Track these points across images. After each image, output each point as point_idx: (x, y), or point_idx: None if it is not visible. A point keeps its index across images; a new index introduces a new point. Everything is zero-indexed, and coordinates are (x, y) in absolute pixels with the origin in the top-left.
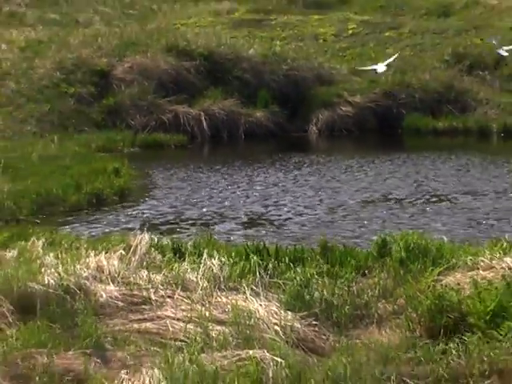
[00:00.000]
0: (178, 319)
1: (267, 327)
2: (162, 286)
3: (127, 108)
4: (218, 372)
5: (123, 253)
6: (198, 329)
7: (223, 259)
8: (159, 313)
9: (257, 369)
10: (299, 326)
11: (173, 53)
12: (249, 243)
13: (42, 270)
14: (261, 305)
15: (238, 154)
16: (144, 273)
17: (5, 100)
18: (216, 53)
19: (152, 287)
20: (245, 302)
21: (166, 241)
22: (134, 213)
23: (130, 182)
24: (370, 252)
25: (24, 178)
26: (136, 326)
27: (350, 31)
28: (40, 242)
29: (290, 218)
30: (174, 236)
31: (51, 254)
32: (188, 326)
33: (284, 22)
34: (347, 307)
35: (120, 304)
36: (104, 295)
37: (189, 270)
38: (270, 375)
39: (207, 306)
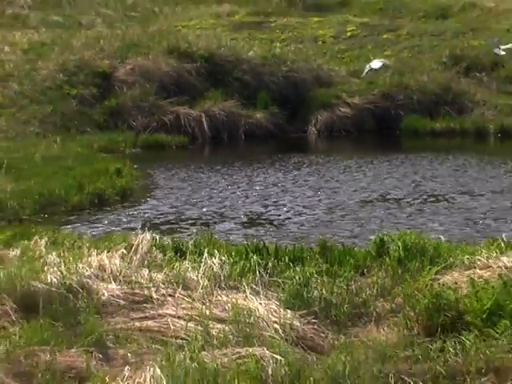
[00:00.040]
0: (178, 317)
1: (267, 325)
2: (163, 284)
3: (129, 109)
4: (218, 369)
5: (125, 252)
6: (199, 327)
7: (223, 258)
8: (160, 311)
9: (256, 366)
10: (298, 324)
11: (174, 55)
12: (249, 243)
13: (45, 268)
14: (261, 303)
15: (238, 155)
16: (145, 272)
17: (8, 101)
18: (216, 55)
19: (153, 286)
20: (245, 300)
21: (167, 240)
22: (135, 212)
23: (132, 183)
24: (369, 251)
25: (27, 178)
26: (137, 324)
27: (349, 33)
28: (43, 242)
29: (290, 218)
30: (175, 235)
31: (54, 253)
32: (189, 324)
33: (283, 25)
34: (346, 306)
35: (122, 302)
36: (106, 294)
37: (189, 269)
38: (270, 373)
39: (208, 304)
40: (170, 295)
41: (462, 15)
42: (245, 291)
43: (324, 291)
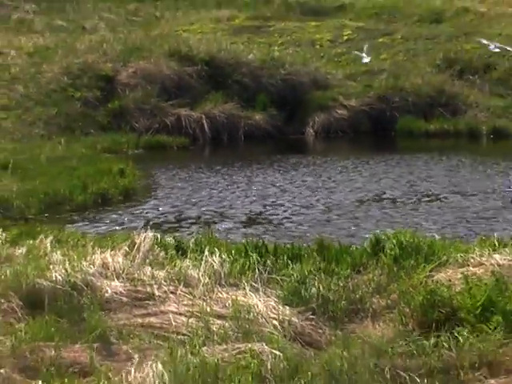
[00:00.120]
0: (180, 314)
1: (266, 321)
2: (165, 282)
3: (131, 111)
4: (218, 364)
5: (127, 250)
6: (200, 323)
7: (224, 256)
8: (162, 308)
9: (256, 361)
10: (297, 320)
11: (175, 58)
12: (248, 241)
13: (50, 266)
14: (260, 300)
15: (237, 156)
16: (148, 269)
17: (14, 103)
18: (217, 58)
19: (155, 283)
20: (244, 297)
21: (168, 238)
22: (137, 212)
23: (135, 183)
24: (365, 250)
25: (32, 178)
26: (140, 320)
27: (346, 37)
28: (48, 240)
29: (288, 217)
30: (176, 234)
31: (58, 252)
32: (190, 320)
33: (282, 29)
34: (343, 302)
35: (125, 299)
36: (109, 291)
37: (191, 267)
38: (269, 367)
39: (208, 301)
40: (171, 292)
41: (456, 20)
42: (244, 288)
43: (321, 288)
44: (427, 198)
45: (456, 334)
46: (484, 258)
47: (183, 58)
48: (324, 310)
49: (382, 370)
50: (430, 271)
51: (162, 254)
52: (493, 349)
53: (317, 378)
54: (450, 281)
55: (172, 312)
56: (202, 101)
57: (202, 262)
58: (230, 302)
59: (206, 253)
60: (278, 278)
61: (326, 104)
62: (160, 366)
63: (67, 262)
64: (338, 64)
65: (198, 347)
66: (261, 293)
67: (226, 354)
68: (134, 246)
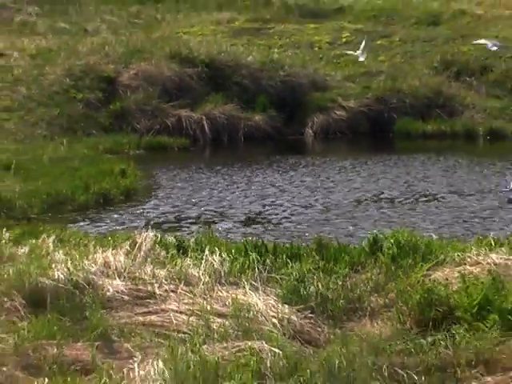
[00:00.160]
0: (181, 312)
1: (265, 320)
2: (166, 280)
3: (133, 112)
4: (218, 362)
5: (129, 249)
6: (200, 321)
7: (224, 255)
8: (163, 306)
9: (256, 359)
10: (296, 318)
11: (176, 60)
12: (248, 240)
13: (52, 265)
14: (259, 299)
15: (237, 156)
16: (149, 268)
17: (17, 105)
18: (217, 60)
19: (156, 282)
20: (244, 295)
21: (169, 238)
22: (139, 211)
23: (136, 183)
24: (363, 249)
25: (35, 178)
26: (141, 318)
27: (344, 39)
28: (50, 239)
29: (287, 217)
30: (177, 233)
31: (61, 251)
32: (190, 318)
33: (281, 31)
34: (341, 301)
35: (126, 298)
36: (111, 289)
37: (191, 266)
38: (268, 365)
39: (209, 299)
40: (172, 291)
41: (453, 22)
42: (244, 287)
43: (320, 287)
44: (424, 198)
45: (453, 332)
46: (481, 257)
47: (184, 60)
48: (323, 309)
49: (379, 367)
50: (428, 270)
51: (163, 253)
52: (489, 347)
53: (316, 376)
54: (447, 280)
55: (173, 310)
56: (202, 102)
57: (203, 261)
58: (230, 300)
59: (207, 252)
60: (277, 276)
61: (324, 105)
62: (161, 364)
63: (69, 261)
64: (337, 66)
65: (198, 345)
66: (260, 291)
67: (226, 352)
68: (135, 246)
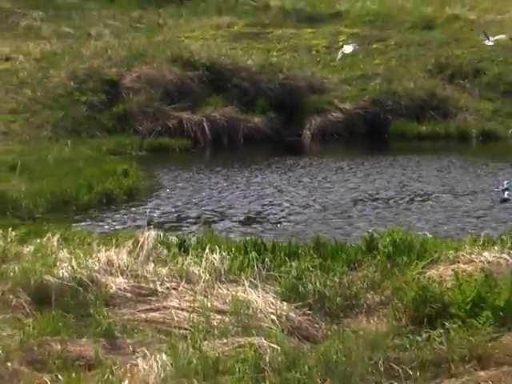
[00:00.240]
0: (182, 309)
1: (264, 316)
2: (168, 278)
3: (135, 114)
4: (219, 357)
5: (131, 248)
6: (201, 318)
7: (224, 254)
8: (165, 303)
9: (255, 355)
10: (294, 315)
11: (177, 63)
12: (247, 239)
13: (57, 263)
14: (259, 296)
15: (237, 157)
16: (151, 266)
17: (22, 107)
18: (217, 63)
19: (158, 280)
20: (244, 293)
21: (171, 237)
22: (141, 211)
23: (138, 183)
24: (360, 247)
25: (40, 179)
26: (143, 315)
27: (341, 43)
28: (55, 238)
29: (285, 217)
30: (178, 232)
31: (65, 249)
32: (191, 315)
33: (279, 35)
34: (338, 298)
35: (129, 295)
36: (114, 287)
37: (192, 264)
38: (267, 360)
39: (209, 297)
40: (173, 288)
41: (447, 26)
42: (244, 284)
43: (318, 284)
44: (419, 198)
45: (447, 329)
46: (474, 256)
47: (185, 64)
48: (320, 306)
49: (375, 362)
50: (422, 268)
51: (165, 251)
52: (482, 342)
53: (313, 371)
54: (441, 277)
55: (174, 307)
56: (202, 104)
57: (203, 260)
58: (229, 297)
59: (207, 250)
60: (276, 274)
61: (322, 107)
62: (163, 360)
63: (73, 260)
64: (334, 69)
65: (199, 341)
66: (259, 289)
67: (226, 348)
68: (137, 244)
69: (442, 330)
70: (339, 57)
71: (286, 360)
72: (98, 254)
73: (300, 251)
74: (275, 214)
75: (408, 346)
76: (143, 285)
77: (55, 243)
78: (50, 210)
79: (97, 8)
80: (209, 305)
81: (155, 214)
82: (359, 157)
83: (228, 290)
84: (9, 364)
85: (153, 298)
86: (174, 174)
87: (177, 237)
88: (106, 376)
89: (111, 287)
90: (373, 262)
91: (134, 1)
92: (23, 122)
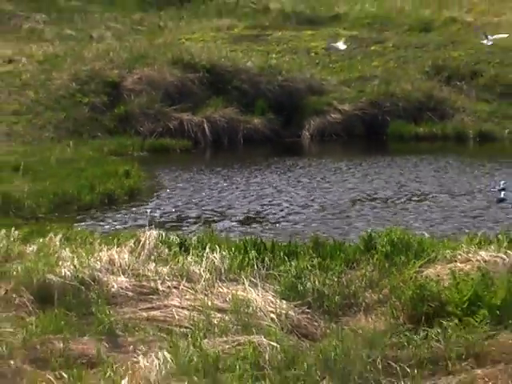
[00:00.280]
0: (182, 308)
1: (264, 315)
2: (169, 277)
3: (136, 116)
4: (219, 355)
5: (133, 247)
6: (201, 316)
7: (224, 253)
8: (166, 302)
9: (254, 353)
10: (293, 313)
11: (178, 65)
12: (247, 239)
13: (59, 263)
14: (258, 295)
15: (237, 158)
16: (152, 265)
17: (25, 109)
18: (217, 65)
19: (159, 278)
20: (244, 292)
21: (172, 236)
22: (142, 211)
23: (139, 183)
24: (358, 246)
25: (43, 179)
26: (145, 314)
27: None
28: (57, 238)
29: (284, 216)
30: (179, 232)
31: (67, 249)
32: (192, 313)
33: (279, 37)
34: (337, 297)
35: (130, 294)
36: (115, 286)
37: (193, 263)
38: (267, 358)
39: (209, 295)
40: (174, 287)
41: (444, 29)
42: (244, 283)
43: (317, 283)
44: (417, 198)
45: (444, 327)
46: (471, 255)
47: (185, 66)
48: (319, 304)
49: (374, 360)
50: (420, 267)
51: (166, 250)
52: (479, 341)
53: (312, 368)
54: (438, 276)
55: (175, 306)
56: (203, 106)
57: (204, 259)
58: (230, 296)
59: (208, 250)
60: (275, 273)
61: (321, 109)
62: (164, 357)
63: (75, 259)
64: (333, 71)
65: (199, 339)
66: (259, 288)
67: (226, 346)
68: (138, 244)
69: (439, 329)
70: (328, 46)
71: (286, 358)
72: (100, 254)
73: (299, 250)
74: (274, 213)
75: (406, 344)
76: (144, 284)
77: (57, 243)
78: (53, 209)
79: (99, 11)
80: (209, 303)
81: (156, 214)
82: (357, 157)
83: (228, 288)
84: (12, 362)
85: (154, 297)
86: (174, 175)
87: (178, 236)
88: (108, 374)
89: (113, 286)
90: (371, 261)
91: (135, 3)
92: (26, 123)
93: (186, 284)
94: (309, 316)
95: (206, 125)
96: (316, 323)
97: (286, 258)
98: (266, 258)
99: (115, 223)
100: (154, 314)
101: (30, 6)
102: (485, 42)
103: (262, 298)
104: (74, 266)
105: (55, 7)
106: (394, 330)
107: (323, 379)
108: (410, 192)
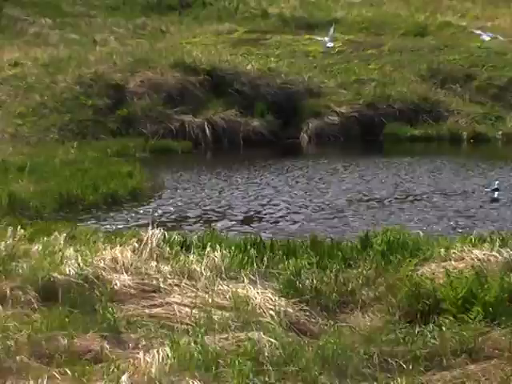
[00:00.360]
0: (184, 305)
1: (263, 312)
2: (170, 275)
3: (139, 118)
4: (219, 352)
5: (135, 246)
6: (202, 314)
7: (224, 252)
8: (167, 299)
9: (254, 349)
10: (292, 311)
11: (179, 69)
12: (247, 238)
13: (64, 261)
14: (258, 292)
15: (236, 159)
16: (154, 264)
17: (30, 111)
18: (218, 68)
19: (161, 277)
20: (243, 289)
21: (173, 235)
22: (144, 210)
23: (142, 184)
24: (355, 245)
25: (47, 180)
26: (147, 311)
27: (337, 49)
28: (62, 237)
29: (283, 216)
30: (180, 231)
31: (71, 248)
32: (193, 311)
33: (278, 41)
34: (334, 294)
35: (133, 292)
36: (118, 284)
37: (194, 262)
38: (266, 354)
39: (210, 293)
40: (176, 285)
41: (439, 33)
42: (243, 281)
43: (315, 281)
44: (412, 198)
45: (439, 323)
46: (465, 253)
47: (187, 69)
48: (317, 302)
49: (370, 356)
50: (415, 265)
51: (168, 249)
52: (473, 337)
53: (310, 364)
54: (433, 274)
55: (176, 303)
56: (204, 108)
57: (205, 257)
58: (230, 294)
59: (208, 248)
60: (274, 271)
61: (318, 111)
62: (165, 354)
63: (80, 257)
64: (330, 74)
65: (200, 336)
66: (258, 285)
67: (227, 342)
68: (141, 243)
69: (434, 325)
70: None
71: (284, 354)
72: (104, 252)
73: (297, 249)
74: (273, 213)
75: (402, 341)
76: (147, 281)
77: (62, 242)
78: (57, 209)
79: (102, 16)
80: (210, 301)
81: (158, 214)
82: (354, 159)
83: (228, 286)
84: (17, 358)
85: (156, 295)
86: (176, 175)
87: (179, 235)
88: (111, 369)
89: (116, 284)
90: (368, 259)
91: (137, 9)
92: (31, 125)
93: (188, 282)
94: (307, 313)
95: (206, 126)
96: (314, 320)
97: (285, 256)
98: (266, 257)
99: (118, 222)
100: (156, 311)
101: (36, 11)
102: (484, 37)
103: (261, 295)
104: (78, 265)
105: (60, 12)
106: (390, 326)
107: (321, 375)
108: (406, 192)
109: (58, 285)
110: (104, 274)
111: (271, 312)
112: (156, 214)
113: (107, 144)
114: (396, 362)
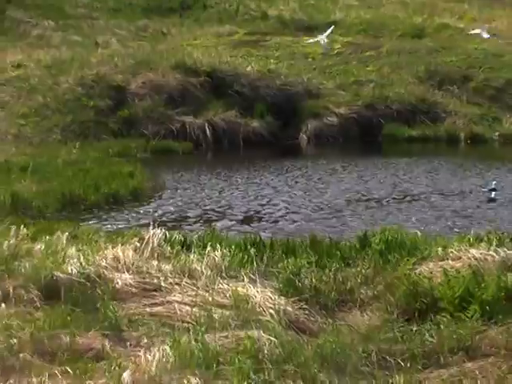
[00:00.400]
0: (184, 303)
1: (263, 310)
2: (171, 274)
3: (140, 119)
4: (219, 350)
5: (137, 245)
6: (203, 312)
7: (224, 251)
8: (168, 298)
9: (254, 347)
10: (291, 309)
11: (180, 70)
12: (247, 237)
13: (66, 260)
14: (257, 291)
15: (236, 159)
16: (155, 263)
17: (33, 112)
18: (218, 70)
19: (162, 275)
20: (243, 288)
21: (174, 235)
22: (145, 210)
23: (143, 184)
24: (354, 245)
25: (50, 180)
26: (148, 309)
27: (336, 51)
28: (64, 236)
29: (283, 215)
30: (181, 230)
31: (74, 247)
32: (194, 309)
33: (278, 43)
34: (333, 293)
35: (134, 290)
36: (120, 282)
37: (194, 261)
38: (266, 352)
39: (210, 292)
40: (177, 284)
41: (436, 35)
42: (243, 280)
43: (314, 280)
44: (410, 198)
45: (437, 322)
46: (462, 253)
47: (188, 70)
48: (316, 300)
49: (368, 354)
50: (413, 264)
51: (169, 249)
52: (470, 335)
53: (309, 362)
54: (431, 273)
55: (177, 302)
56: (204, 109)
57: (205, 256)
58: (230, 292)
59: (209, 248)
60: (274, 270)
61: (318, 112)
62: (166, 351)
63: (82, 256)
64: (329, 75)
65: (200, 334)
66: (258, 284)
67: (227, 340)
68: (142, 242)
69: (431, 324)
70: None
71: (284, 352)
72: (105, 251)
73: (297, 248)
74: (273, 213)
75: (399, 339)
76: (148, 280)
77: (64, 241)
78: (60, 209)
79: (104, 18)
80: (210, 299)
81: (159, 213)
82: (353, 159)
83: (228, 285)
84: (20, 355)
85: (157, 293)
86: (177, 175)
87: (180, 234)
88: (113, 367)
89: (117, 283)
90: (366, 258)
91: (139, 11)
92: (34, 125)
93: (188, 281)
94: (306, 312)
95: (207, 127)
96: (313, 318)
97: (284, 255)
98: (265, 256)
99: (119, 222)
100: (157, 310)
101: (39, 13)
102: (483, 35)
103: (261, 294)
104: (80, 264)
105: (62, 14)
106: (389, 325)
107: (320, 373)
108: (404, 192)
109: (61, 283)
110: (106, 272)
111: (271, 310)
112: (157, 214)
113: (109, 144)
114: (394, 359)
